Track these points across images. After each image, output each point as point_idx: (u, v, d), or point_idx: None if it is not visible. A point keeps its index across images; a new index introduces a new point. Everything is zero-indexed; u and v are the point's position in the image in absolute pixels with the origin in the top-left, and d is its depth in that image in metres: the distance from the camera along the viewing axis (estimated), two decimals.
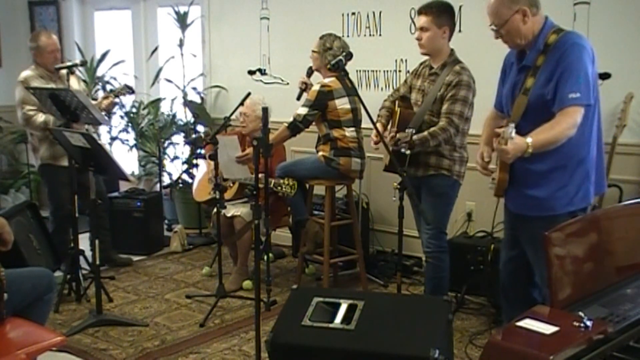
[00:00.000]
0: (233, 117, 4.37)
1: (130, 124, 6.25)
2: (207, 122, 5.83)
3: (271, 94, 5.16)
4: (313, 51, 4.39)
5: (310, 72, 4.57)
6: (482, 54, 4.17)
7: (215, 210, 4.47)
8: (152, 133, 6.10)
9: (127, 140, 6.29)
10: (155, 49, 6.30)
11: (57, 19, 6.90)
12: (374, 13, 4.98)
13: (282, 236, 5.45)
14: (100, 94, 5.89)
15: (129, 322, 4.02)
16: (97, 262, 4.04)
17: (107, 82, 6.34)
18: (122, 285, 4.73)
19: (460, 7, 4.49)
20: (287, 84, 5.26)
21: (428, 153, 3.71)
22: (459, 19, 4.51)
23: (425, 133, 3.62)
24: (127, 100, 6.19)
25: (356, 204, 4.68)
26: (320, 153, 4.34)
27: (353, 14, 5.07)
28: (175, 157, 6.27)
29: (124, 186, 5.78)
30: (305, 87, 4.56)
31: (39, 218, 3.76)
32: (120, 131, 6.28)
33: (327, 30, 4.47)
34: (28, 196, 6.52)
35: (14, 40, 6.84)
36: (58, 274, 4.10)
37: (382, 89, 4.96)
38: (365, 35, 5.03)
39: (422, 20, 3.69)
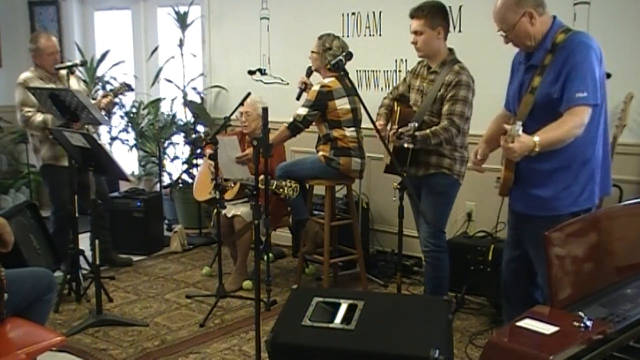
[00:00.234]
0: (233, 117, 4.37)
1: (130, 124, 6.25)
2: (207, 122, 5.83)
3: (271, 94, 5.17)
4: (312, 52, 4.39)
5: (310, 72, 4.57)
6: (482, 54, 4.17)
7: (215, 210, 4.47)
8: (152, 133, 6.11)
9: (127, 140, 6.30)
10: (155, 49, 6.30)
11: (57, 19, 6.90)
12: (374, 13, 4.97)
13: (282, 236, 5.45)
14: (100, 94, 5.88)
15: (129, 322, 4.02)
16: (97, 262, 4.04)
17: (107, 82, 6.33)
18: (122, 285, 4.73)
19: (460, 7, 4.49)
20: (287, 84, 5.26)
21: (429, 153, 3.71)
22: (459, 19, 4.51)
23: (427, 131, 3.62)
24: (127, 100, 6.20)
25: (356, 204, 4.68)
26: (321, 153, 4.34)
27: (353, 14, 5.07)
28: (175, 157, 6.27)
29: (124, 186, 5.79)
30: (305, 87, 4.55)
31: (39, 218, 3.75)
32: (120, 131, 6.29)
33: (327, 30, 4.46)
34: (28, 196, 6.52)
35: (14, 41, 6.84)
36: (58, 274, 4.10)
37: (382, 89, 4.95)
38: (365, 35, 5.03)
39: (415, 24, 3.68)
